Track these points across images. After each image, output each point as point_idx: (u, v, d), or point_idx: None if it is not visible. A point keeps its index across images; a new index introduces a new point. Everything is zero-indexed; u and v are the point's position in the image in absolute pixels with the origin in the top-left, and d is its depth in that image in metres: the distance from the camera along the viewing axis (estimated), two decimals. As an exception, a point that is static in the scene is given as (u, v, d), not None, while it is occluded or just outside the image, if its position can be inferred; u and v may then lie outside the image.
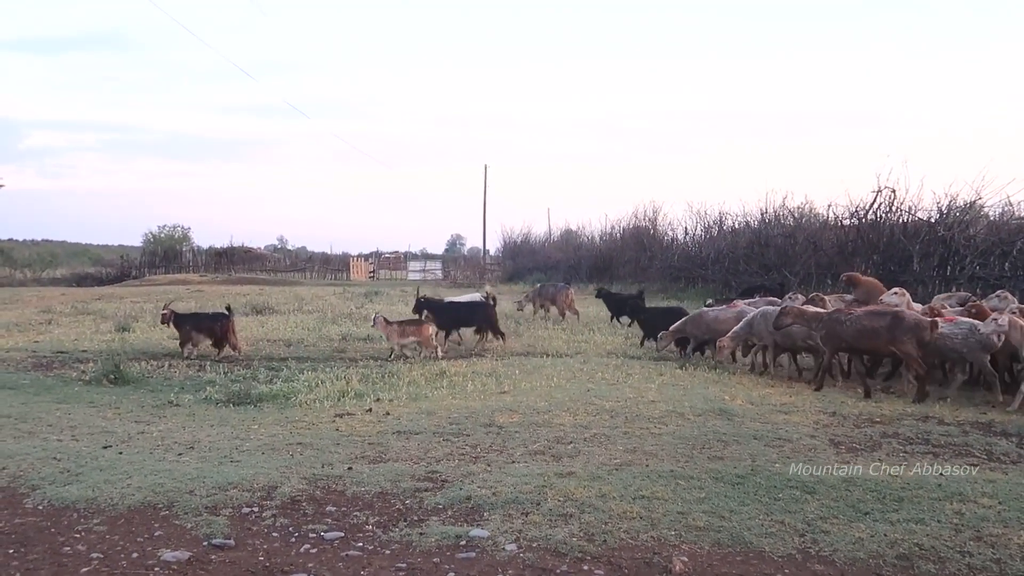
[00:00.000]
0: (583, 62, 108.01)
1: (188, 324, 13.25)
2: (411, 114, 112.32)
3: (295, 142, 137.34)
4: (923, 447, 6.82)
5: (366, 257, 60.30)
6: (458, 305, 14.92)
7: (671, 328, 12.50)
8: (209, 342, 13.18)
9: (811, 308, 10.50)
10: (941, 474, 5.87)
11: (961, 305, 11.05)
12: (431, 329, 12.73)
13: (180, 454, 6.56)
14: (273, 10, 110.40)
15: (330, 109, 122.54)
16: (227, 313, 13.39)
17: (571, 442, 6.83)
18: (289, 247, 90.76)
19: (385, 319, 12.77)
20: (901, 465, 6.09)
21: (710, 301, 14.98)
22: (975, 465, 6.21)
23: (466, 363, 11.59)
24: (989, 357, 9.01)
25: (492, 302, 14.46)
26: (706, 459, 6.30)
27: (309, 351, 13.71)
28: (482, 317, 14.00)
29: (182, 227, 61.21)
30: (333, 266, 56.26)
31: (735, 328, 11.24)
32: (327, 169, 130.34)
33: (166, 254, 53.64)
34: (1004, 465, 6.26)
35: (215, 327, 13.12)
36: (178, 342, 13.24)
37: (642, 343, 13.90)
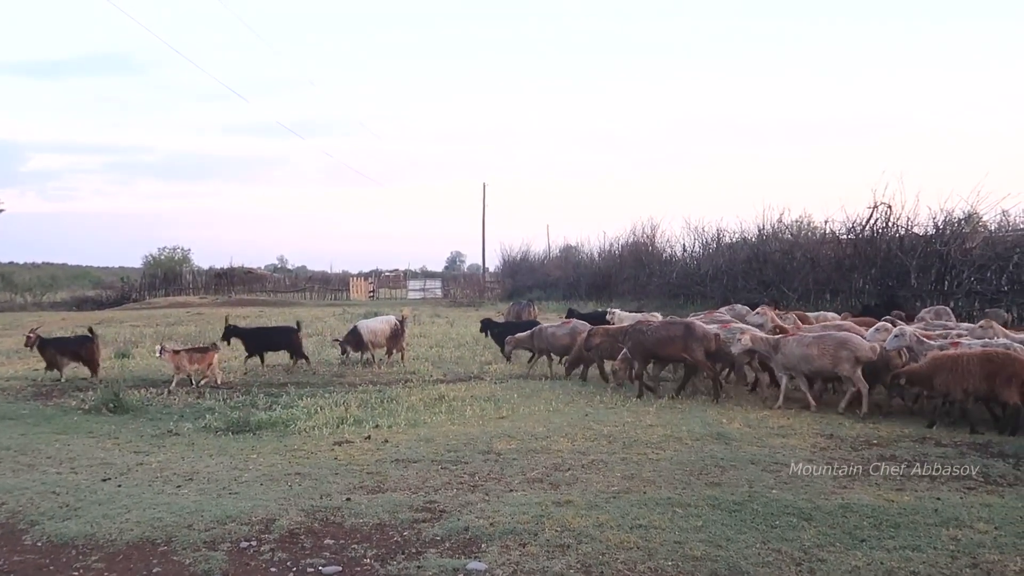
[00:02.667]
0: (580, 76, 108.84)
1: (52, 348, 13.48)
2: (410, 131, 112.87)
3: (295, 161, 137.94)
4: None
5: (366, 276, 60.37)
6: (266, 331, 16.19)
7: (515, 337, 14.01)
8: (76, 365, 13.48)
9: (615, 325, 12.59)
10: (938, 499, 5.88)
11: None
12: (216, 356, 12.90)
13: (179, 486, 6.58)
14: (272, 30, 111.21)
15: (329, 128, 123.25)
16: (91, 336, 13.65)
17: (569, 469, 6.85)
18: (289, 267, 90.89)
19: (173, 350, 12.67)
20: (898, 490, 6.11)
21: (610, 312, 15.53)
22: (972, 488, 6.22)
23: (465, 387, 11.61)
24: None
25: (402, 325, 15.16)
26: (703, 485, 6.32)
27: (308, 376, 13.74)
28: (287, 342, 14.92)
29: (182, 248, 61.26)
30: (333, 286, 56.27)
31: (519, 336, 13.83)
32: (327, 188, 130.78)
33: (166, 276, 53.67)
34: (1000, 488, 6.27)
35: (80, 351, 13.42)
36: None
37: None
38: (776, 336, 10.34)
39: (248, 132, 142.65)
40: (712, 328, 10.84)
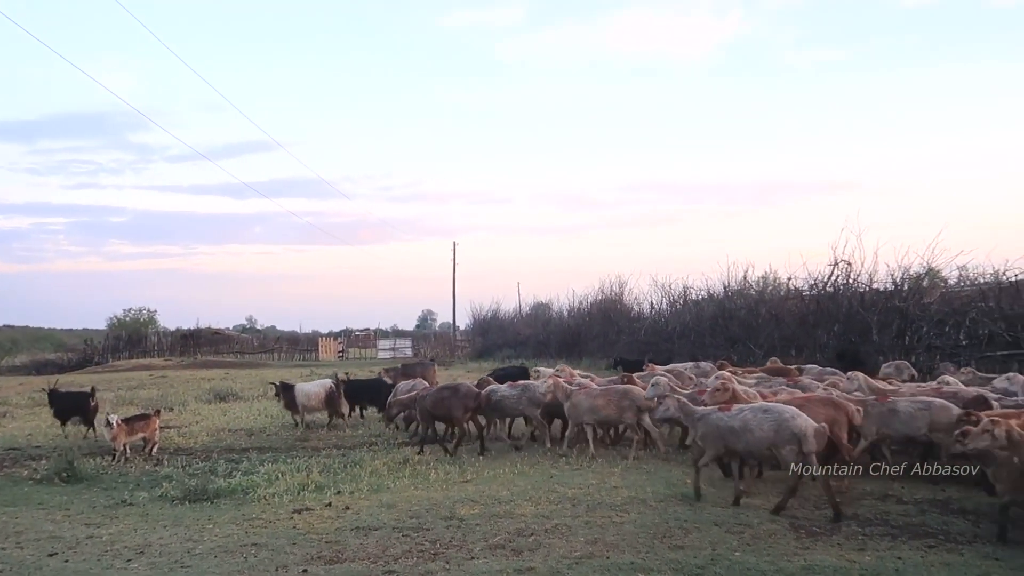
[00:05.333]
0: (549, 137, 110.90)
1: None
2: (381, 192, 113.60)
3: (265, 222, 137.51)
4: (881, 528, 6.84)
5: (336, 336, 59.91)
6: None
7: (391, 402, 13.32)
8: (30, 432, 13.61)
9: (407, 395, 12.97)
10: (899, 558, 5.90)
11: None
12: (156, 422, 12.36)
13: (129, 560, 6.37)
14: (243, 92, 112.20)
15: (298, 188, 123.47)
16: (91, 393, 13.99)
17: (532, 534, 6.76)
18: (258, 327, 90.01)
19: (118, 421, 11.81)
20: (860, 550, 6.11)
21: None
22: (932, 547, 6.24)
23: (430, 449, 11.46)
24: (540, 410, 11.47)
25: (338, 388, 14.79)
26: (667, 548, 6.27)
27: (271, 440, 13.48)
28: (81, 407, 14.34)
29: (148, 310, 60.64)
30: (302, 346, 55.72)
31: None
32: (297, 248, 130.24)
33: (131, 338, 52.80)
34: (960, 546, 6.29)
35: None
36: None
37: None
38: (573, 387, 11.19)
39: (218, 192, 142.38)
40: (503, 388, 11.91)
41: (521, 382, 12.33)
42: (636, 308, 36.06)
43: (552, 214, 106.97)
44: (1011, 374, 10.80)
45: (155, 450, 12.15)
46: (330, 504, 8.27)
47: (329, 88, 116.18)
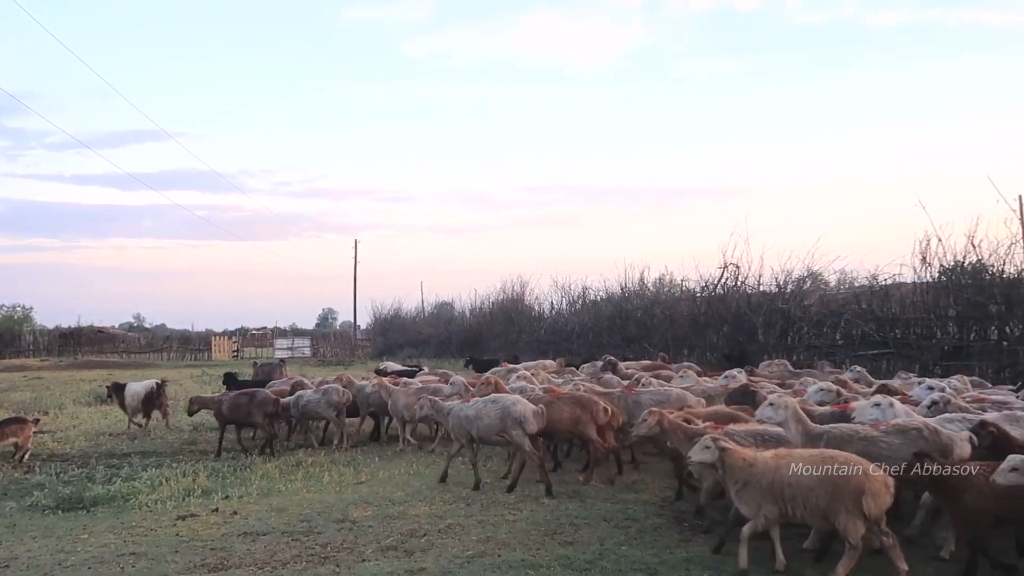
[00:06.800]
0: (451, 137, 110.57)
1: None
2: (280, 188, 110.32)
3: (157, 215, 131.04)
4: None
5: (231, 335, 57.80)
6: None
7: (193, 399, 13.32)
8: None
9: (210, 396, 13.26)
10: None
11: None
12: (31, 428, 11.80)
13: (-8, 575, 5.97)
14: (135, 79, 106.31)
15: (192, 181, 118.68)
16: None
17: (425, 534, 6.76)
18: (146, 325, 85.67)
19: None
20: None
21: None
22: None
23: (324, 452, 11.26)
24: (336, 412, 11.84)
25: (159, 388, 14.62)
26: (557, 545, 6.40)
27: (156, 444, 12.89)
28: None
29: (23, 307, 56.86)
30: (194, 345, 53.44)
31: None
32: (190, 243, 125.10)
33: (2, 337, 49.30)
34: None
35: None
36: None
37: None
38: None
39: (102, 183, 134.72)
40: (308, 392, 12.18)
41: (324, 385, 12.54)
42: (537, 308, 36.55)
43: (455, 213, 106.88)
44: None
45: (27, 457, 11.41)
46: (217, 509, 8.00)
47: (226, 78, 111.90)
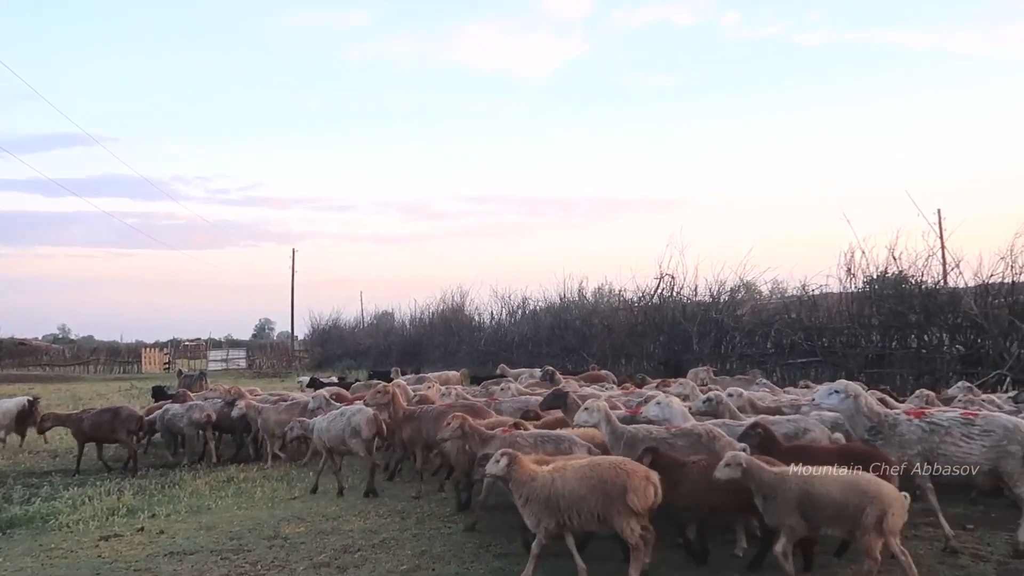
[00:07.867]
0: (392, 143, 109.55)
1: None
2: (215, 195, 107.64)
3: (84, 222, 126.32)
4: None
5: (162, 346, 56.09)
6: None
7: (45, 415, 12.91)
8: None
9: (67, 413, 12.83)
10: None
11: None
12: None
13: None
14: (59, 81, 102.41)
15: (120, 188, 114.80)
16: None
17: (359, 550, 6.70)
18: (72, 337, 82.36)
19: None
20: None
21: None
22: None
23: (257, 467, 11.03)
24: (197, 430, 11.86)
25: (31, 407, 13.92)
26: (492, 557, 6.42)
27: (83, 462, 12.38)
28: None
29: (-65, 318, 54.05)
30: (123, 358, 51.69)
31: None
32: (119, 252, 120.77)
33: (-89, 350, 46.84)
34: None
35: None
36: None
37: None
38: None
39: (23, 189, 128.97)
40: (175, 407, 12.13)
41: (189, 402, 12.46)
42: (477, 318, 36.51)
43: (395, 223, 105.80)
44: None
45: None
46: (143, 529, 7.77)
47: (161, 83, 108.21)
